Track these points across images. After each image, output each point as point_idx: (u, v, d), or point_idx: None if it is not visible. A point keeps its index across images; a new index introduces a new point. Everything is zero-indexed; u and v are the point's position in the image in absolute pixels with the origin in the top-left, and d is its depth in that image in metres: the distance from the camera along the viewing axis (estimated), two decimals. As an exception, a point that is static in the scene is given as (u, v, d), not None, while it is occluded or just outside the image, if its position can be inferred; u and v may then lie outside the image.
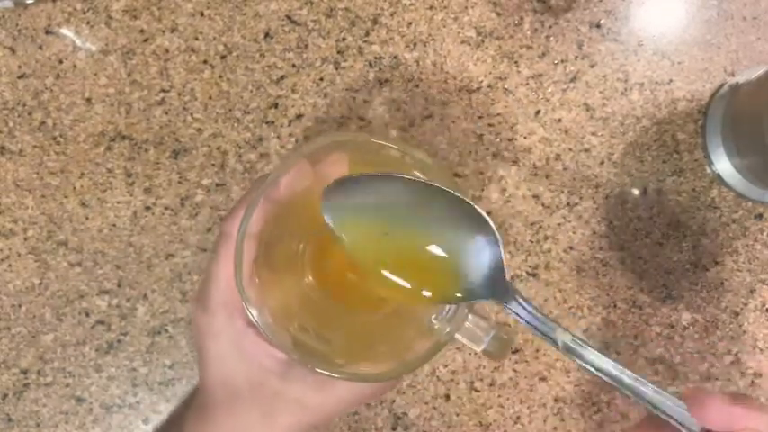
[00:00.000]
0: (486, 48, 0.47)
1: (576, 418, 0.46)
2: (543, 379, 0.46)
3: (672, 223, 0.47)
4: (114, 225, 0.46)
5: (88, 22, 0.46)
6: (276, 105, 0.46)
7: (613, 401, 0.46)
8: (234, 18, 0.46)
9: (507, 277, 0.28)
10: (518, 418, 0.46)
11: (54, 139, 0.46)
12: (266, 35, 0.46)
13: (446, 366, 0.46)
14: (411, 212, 0.28)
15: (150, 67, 0.46)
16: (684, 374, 0.46)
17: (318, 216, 0.29)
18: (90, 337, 0.46)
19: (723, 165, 0.46)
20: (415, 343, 0.31)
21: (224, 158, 0.46)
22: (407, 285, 0.28)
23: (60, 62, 0.46)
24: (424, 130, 0.46)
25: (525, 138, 0.46)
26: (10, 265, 0.46)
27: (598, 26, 0.47)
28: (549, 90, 0.47)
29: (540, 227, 0.46)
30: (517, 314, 0.27)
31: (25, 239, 0.46)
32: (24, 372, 0.46)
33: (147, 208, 0.46)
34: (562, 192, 0.47)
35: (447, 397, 0.46)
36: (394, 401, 0.46)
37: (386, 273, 0.28)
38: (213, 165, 0.46)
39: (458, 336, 0.30)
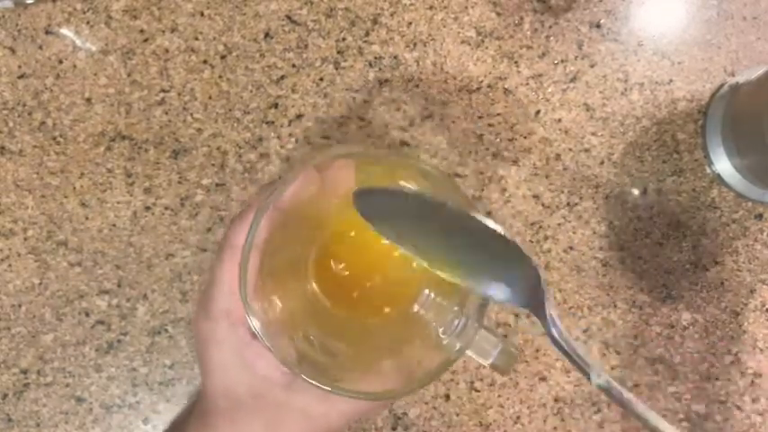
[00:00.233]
0: (486, 48, 0.47)
1: (576, 418, 0.46)
2: (543, 379, 0.46)
3: (672, 223, 0.47)
4: (114, 225, 0.46)
5: (88, 22, 0.46)
6: (276, 105, 0.46)
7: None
8: (234, 18, 0.46)
9: (549, 311, 0.26)
10: (518, 418, 0.46)
11: (54, 139, 0.46)
12: (266, 35, 0.46)
13: (446, 366, 0.46)
14: (445, 238, 0.27)
15: (150, 67, 0.46)
16: (684, 374, 0.46)
17: (324, 223, 0.29)
18: (90, 337, 0.46)
19: (723, 165, 0.46)
20: (422, 356, 0.30)
21: (224, 158, 0.46)
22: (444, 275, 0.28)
23: (60, 62, 0.46)
24: (424, 130, 0.46)
25: (525, 138, 0.46)
26: (10, 265, 0.46)
27: (598, 26, 0.47)
28: (549, 90, 0.47)
29: (540, 227, 0.46)
30: (556, 341, 0.27)
31: (25, 239, 0.46)
32: (24, 372, 0.46)
33: (147, 208, 0.46)
34: (562, 192, 0.46)
35: (447, 397, 0.46)
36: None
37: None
38: (213, 165, 0.46)
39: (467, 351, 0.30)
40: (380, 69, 0.46)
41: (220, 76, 0.46)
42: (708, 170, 0.47)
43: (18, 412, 0.46)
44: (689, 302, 0.46)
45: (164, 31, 0.46)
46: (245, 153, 0.46)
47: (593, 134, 0.47)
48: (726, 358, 0.46)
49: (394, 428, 0.46)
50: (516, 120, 0.46)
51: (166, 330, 0.46)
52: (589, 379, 0.26)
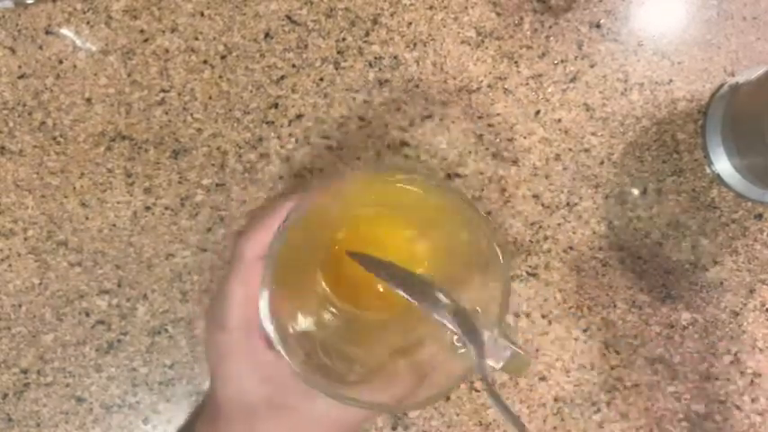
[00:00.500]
0: (486, 48, 0.47)
1: (576, 418, 0.46)
2: (543, 379, 0.46)
3: (671, 223, 0.47)
4: (114, 225, 0.46)
5: (88, 23, 0.46)
6: (276, 105, 0.46)
7: (613, 401, 0.46)
8: (234, 18, 0.46)
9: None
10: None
11: (54, 139, 0.46)
12: (266, 35, 0.46)
13: (446, 366, 0.46)
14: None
15: (150, 67, 0.46)
16: (684, 374, 0.46)
17: (332, 225, 0.29)
18: (90, 336, 0.46)
19: (723, 165, 0.46)
20: (434, 357, 0.31)
21: (224, 158, 0.46)
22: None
23: (60, 62, 0.46)
24: (424, 130, 0.46)
25: (525, 138, 0.46)
26: (10, 265, 0.46)
27: (598, 26, 0.47)
28: (549, 90, 0.47)
29: (540, 227, 0.46)
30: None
31: (25, 239, 0.46)
32: (24, 372, 0.46)
33: (147, 208, 0.46)
34: (562, 192, 0.47)
35: (447, 397, 0.46)
36: (394, 401, 0.46)
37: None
38: (213, 165, 0.46)
39: None
40: (380, 69, 0.46)
41: (220, 77, 0.46)
42: (707, 170, 0.47)
43: (18, 412, 0.46)
44: (688, 302, 0.46)
45: (164, 32, 0.46)
46: (245, 153, 0.46)
47: (593, 134, 0.47)
48: (725, 358, 0.46)
49: (394, 428, 0.46)
50: (516, 120, 0.46)
51: (166, 330, 0.46)
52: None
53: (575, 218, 0.46)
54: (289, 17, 0.47)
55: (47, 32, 0.46)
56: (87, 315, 0.46)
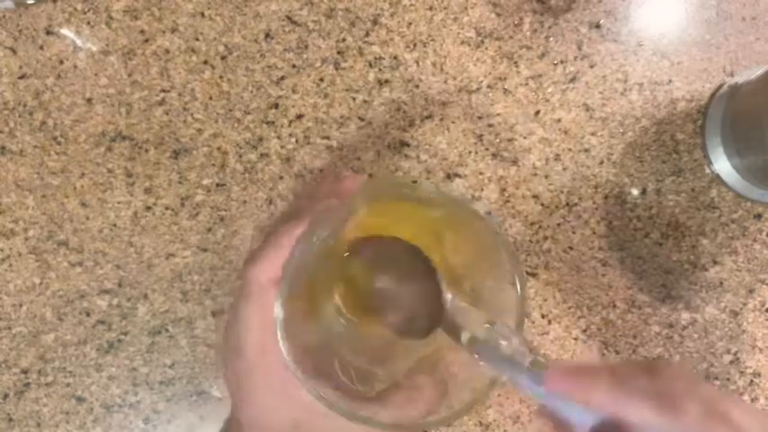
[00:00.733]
0: (486, 48, 0.47)
1: (576, 417, 0.46)
2: (543, 379, 0.46)
3: (671, 223, 0.47)
4: (115, 225, 0.46)
5: (89, 23, 0.46)
6: (276, 105, 0.47)
7: (613, 401, 0.46)
8: (234, 18, 0.46)
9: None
10: (518, 417, 0.46)
11: (55, 139, 0.46)
12: (266, 36, 0.47)
13: (446, 366, 0.46)
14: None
15: (151, 67, 0.46)
16: (684, 374, 0.46)
17: (340, 238, 0.29)
18: (90, 336, 0.46)
19: (722, 165, 0.46)
20: (454, 365, 0.30)
21: (224, 158, 0.46)
22: None
23: (61, 62, 0.46)
24: (424, 130, 0.46)
25: (525, 138, 0.47)
26: (10, 265, 0.46)
27: (598, 26, 0.47)
28: (549, 90, 0.47)
29: (540, 227, 0.47)
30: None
31: (26, 239, 0.46)
32: (25, 371, 0.46)
33: (148, 208, 0.46)
34: (561, 192, 0.47)
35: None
36: (394, 401, 0.46)
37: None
38: (213, 165, 0.46)
39: None
40: (380, 70, 0.47)
41: (221, 77, 0.46)
42: (707, 170, 0.47)
43: (19, 412, 0.46)
44: (688, 302, 0.47)
45: (164, 32, 0.46)
46: (245, 153, 0.46)
47: (593, 134, 0.47)
48: (725, 358, 0.47)
49: (394, 428, 0.46)
50: (516, 120, 0.47)
51: (167, 330, 0.46)
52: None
53: (574, 218, 0.47)
54: (289, 18, 0.47)
55: (47, 33, 0.46)
56: (88, 315, 0.46)
